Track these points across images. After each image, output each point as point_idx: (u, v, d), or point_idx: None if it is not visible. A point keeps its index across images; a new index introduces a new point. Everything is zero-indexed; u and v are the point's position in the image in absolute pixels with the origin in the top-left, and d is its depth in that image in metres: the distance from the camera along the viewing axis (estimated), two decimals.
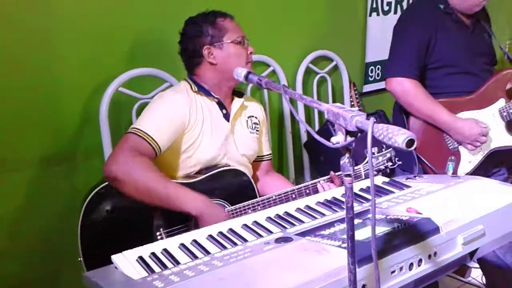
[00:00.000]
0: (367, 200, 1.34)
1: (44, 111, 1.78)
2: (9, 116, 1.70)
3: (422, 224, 1.06)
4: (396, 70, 1.96)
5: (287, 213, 1.30)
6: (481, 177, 1.42)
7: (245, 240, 1.15)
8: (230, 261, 0.99)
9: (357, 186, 1.44)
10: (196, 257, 1.09)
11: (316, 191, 1.64)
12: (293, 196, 1.61)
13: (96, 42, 1.84)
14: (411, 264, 1.01)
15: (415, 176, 1.48)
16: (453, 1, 1.96)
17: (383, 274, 0.96)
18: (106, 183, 1.47)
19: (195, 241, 1.16)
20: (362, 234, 1.03)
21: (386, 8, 2.82)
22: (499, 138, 1.98)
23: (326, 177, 1.67)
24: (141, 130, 1.50)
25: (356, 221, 1.11)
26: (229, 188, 1.61)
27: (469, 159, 1.98)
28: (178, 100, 1.58)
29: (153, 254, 1.11)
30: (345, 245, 0.89)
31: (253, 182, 1.68)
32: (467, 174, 1.98)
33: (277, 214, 1.30)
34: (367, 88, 2.89)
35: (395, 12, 2.85)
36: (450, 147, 1.98)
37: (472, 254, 1.16)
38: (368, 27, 2.77)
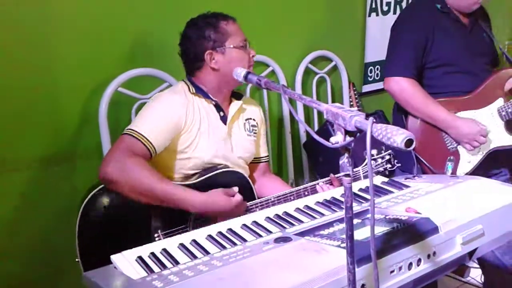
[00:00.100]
0: (366, 200, 1.34)
1: (43, 111, 1.78)
2: (8, 116, 1.70)
3: (421, 224, 1.07)
4: (394, 70, 1.96)
5: (286, 213, 1.31)
6: (480, 177, 1.42)
7: (245, 240, 1.15)
8: (229, 261, 0.99)
9: (356, 186, 1.44)
10: (195, 257, 1.09)
11: (315, 193, 1.63)
12: (292, 198, 1.61)
13: (95, 42, 1.84)
14: (410, 264, 1.01)
15: (414, 176, 1.49)
16: (450, 0, 1.97)
17: (382, 273, 0.96)
18: (103, 185, 1.47)
19: (194, 241, 1.17)
20: (361, 234, 1.03)
21: (385, 8, 2.82)
22: (499, 138, 1.98)
23: (325, 179, 1.67)
24: (136, 131, 1.49)
25: (355, 221, 1.11)
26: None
27: (469, 159, 1.98)
28: (175, 101, 1.57)
29: (153, 254, 1.11)
30: (344, 245, 0.89)
31: (251, 184, 1.67)
32: (466, 174, 1.97)
33: (276, 214, 1.30)
34: (366, 88, 2.89)
35: (394, 13, 2.85)
36: (449, 147, 1.98)
37: (471, 254, 1.16)
38: (368, 28, 2.77)
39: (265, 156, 1.88)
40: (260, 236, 1.16)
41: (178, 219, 1.50)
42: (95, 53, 1.85)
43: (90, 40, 1.83)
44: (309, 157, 2.54)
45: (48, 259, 1.84)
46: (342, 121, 0.85)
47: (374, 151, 1.74)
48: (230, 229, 1.22)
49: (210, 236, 1.19)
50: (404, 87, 1.93)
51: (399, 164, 1.75)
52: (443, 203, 1.21)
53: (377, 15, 2.79)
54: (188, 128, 1.58)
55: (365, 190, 1.43)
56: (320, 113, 2.58)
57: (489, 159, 1.99)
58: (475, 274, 2.48)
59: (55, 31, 1.75)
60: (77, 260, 1.43)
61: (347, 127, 0.84)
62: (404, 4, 2.88)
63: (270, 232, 1.18)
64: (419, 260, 1.02)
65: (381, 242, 0.99)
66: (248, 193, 1.64)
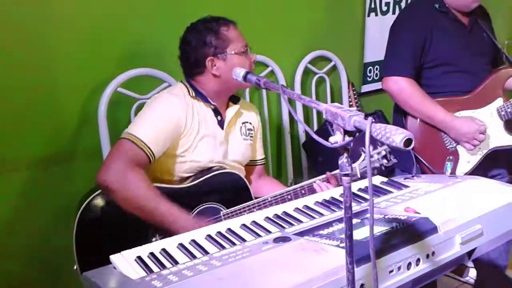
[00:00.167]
0: (365, 200, 1.35)
1: (42, 111, 1.78)
2: (8, 116, 1.71)
3: (420, 223, 1.07)
4: (392, 69, 1.96)
5: (285, 213, 1.31)
6: (479, 177, 1.42)
7: (244, 240, 1.15)
8: (228, 260, 0.99)
9: (356, 186, 1.44)
10: (194, 257, 1.09)
11: (312, 191, 1.64)
12: (289, 197, 1.61)
13: (95, 42, 1.84)
14: (409, 264, 1.01)
15: (413, 176, 1.49)
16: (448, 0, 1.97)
17: (381, 273, 0.96)
18: (100, 190, 1.46)
19: (193, 241, 1.17)
20: (361, 233, 1.03)
21: (384, 8, 2.82)
22: (498, 138, 1.98)
23: (322, 176, 1.66)
24: (136, 137, 1.47)
25: (355, 220, 1.11)
26: (224, 191, 1.60)
27: (468, 159, 1.98)
28: (175, 105, 1.56)
29: (152, 254, 1.11)
30: (343, 244, 0.89)
31: (248, 184, 1.67)
32: (465, 174, 1.97)
33: (275, 214, 1.30)
34: (366, 88, 2.89)
35: (394, 13, 2.86)
36: (448, 147, 1.98)
37: (470, 253, 1.16)
38: (367, 28, 2.77)
39: (261, 159, 1.88)
40: (259, 236, 1.16)
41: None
42: (95, 53, 1.85)
43: (90, 40, 1.83)
44: (309, 157, 2.54)
45: (47, 258, 1.84)
46: (341, 121, 0.85)
47: (370, 147, 1.74)
48: (229, 229, 1.22)
49: (209, 236, 1.19)
50: (402, 87, 1.93)
51: (396, 160, 1.73)
52: (442, 203, 1.22)
53: (376, 15, 2.79)
54: (187, 132, 1.57)
55: (364, 190, 1.43)
56: (319, 113, 2.58)
57: (488, 159, 1.99)
58: (474, 273, 2.48)
59: (55, 32, 1.75)
60: (75, 267, 1.43)
61: (346, 127, 0.84)
62: (403, 4, 2.89)
63: (269, 232, 1.18)
64: (418, 260, 1.02)
65: (380, 242, 0.99)
66: (244, 193, 1.64)
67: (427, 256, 1.04)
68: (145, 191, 1.43)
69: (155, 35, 1.98)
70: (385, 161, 1.72)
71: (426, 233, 1.05)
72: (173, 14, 1.98)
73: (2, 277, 1.76)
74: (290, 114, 2.43)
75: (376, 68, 2.89)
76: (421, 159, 1.96)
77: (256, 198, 1.64)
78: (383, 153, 1.73)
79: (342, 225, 1.13)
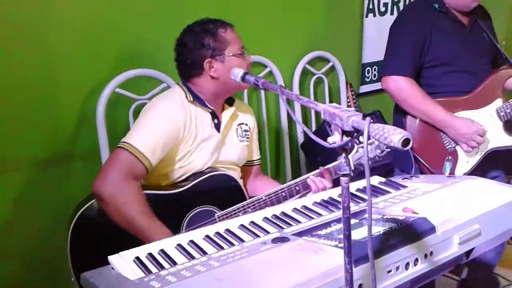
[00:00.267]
0: (363, 200, 1.35)
1: (41, 112, 1.78)
2: (6, 117, 1.70)
3: (418, 223, 1.07)
4: (391, 69, 1.96)
5: (284, 213, 1.31)
6: (477, 177, 1.43)
7: (242, 240, 1.15)
8: (227, 261, 0.99)
9: (354, 186, 1.44)
10: (193, 257, 1.09)
11: (306, 187, 1.63)
12: (283, 194, 1.61)
13: (93, 43, 1.84)
14: (407, 264, 1.01)
15: (411, 176, 1.49)
16: None
17: (380, 273, 0.96)
18: (93, 200, 1.46)
19: (192, 241, 1.17)
20: (359, 233, 1.03)
21: (382, 9, 2.82)
22: (497, 138, 1.98)
23: (315, 171, 1.66)
24: (134, 147, 1.46)
25: (353, 221, 1.11)
26: (218, 193, 1.59)
27: (467, 159, 1.98)
28: (172, 111, 1.55)
29: (150, 254, 1.11)
30: (341, 245, 0.90)
31: (242, 186, 1.66)
32: (464, 174, 1.98)
33: (274, 214, 1.30)
34: (364, 89, 2.90)
35: (392, 13, 2.86)
36: (447, 147, 1.98)
37: (468, 253, 1.16)
38: (365, 28, 2.77)
39: (258, 159, 1.88)
40: (258, 236, 1.17)
41: (172, 229, 1.48)
42: (93, 54, 1.85)
43: (88, 41, 1.83)
44: (307, 158, 2.54)
45: (46, 259, 1.84)
46: (339, 121, 0.85)
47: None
48: (227, 230, 1.22)
49: (207, 236, 1.19)
50: (402, 86, 1.93)
51: (389, 149, 1.71)
52: (440, 203, 1.22)
53: (374, 15, 2.80)
54: (185, 138, 1.56)
55: (362, 190, 1.43)
56: (317, 114, 2.58)
57: (487, 159, 1.99)
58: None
59: (54, 33, 1.75)
60: (72, 279, 1.43)
61: (344, 127, 0.84)
62: (401, 5, 2.89)
63: (268, 232, 1.19)
64: (416, 260, 1.03)
65: (378, 242, 1.00)
66: (238, 194, 1.63)
67: (425, 256, 1.04)
68: (138, 209, 1.42)
69: (153, 36, 1.98)
70: (378, 151, 1.69)
71: (424, 233, 1.05)
72: (171, 15, 1.98)
73: (0, 278, 1.75)
74: (288, 114, 2.44)
75: (374, 69, 2.90)
76: (420, 159, 1.96)
77: (252, 197, 1.64)
78: (376, 143, 1.69)
79: (340, 225, 1.13)
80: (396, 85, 1.94)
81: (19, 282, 1.81)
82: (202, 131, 1.60)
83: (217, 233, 1.20)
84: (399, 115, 2.05)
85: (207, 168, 1.63)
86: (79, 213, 1.46)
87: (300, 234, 1.11)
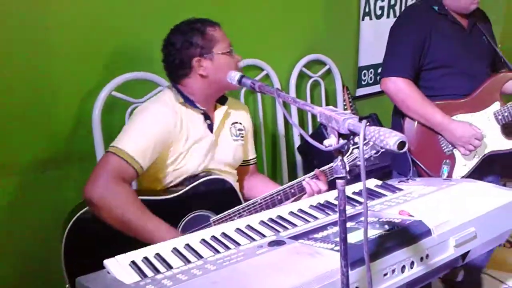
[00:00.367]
0: (359, 203, 1.35)
1: (37, 115, 1.77)
2: (1, 121, 1.70)
3: (414, 226, 1.07)
4: (390, 70, 1.97)
5: (280, 217, 1.30)
6: (473, 180, 1.43)
7: (238, 244, 1.15)
8: (223, 264, 0.99)
9: (350, 189, 1.44)
10: (189, 261, 1.08)
11: (302, 189, 1.62)
12: (279, 197, 1.60)
13: (89, 47, 1.84)
14: (403, 267, 1.01)
15: (407, 179, 1.49)
16: (447, 1, 1.98)
17: (376, 276, 0.96)
18: (85, 209, 1.44)
19: (187, 245, 1.16)
20: (355, 237, 1.03)
21: (378, 12, 2.83)
22: (495, 142, 1.98)
23: (311, 174, 1.65)
24: (123, 151, 1.45)
25: (349, 224, 1.11)
26: (212, 197, 1.58)
27: (464, 162, 1.98)
28: (162, 114, 1.53)
29: (146, 258, 1.11)
30: (338, 248, 0.89)
31: (237, 190, 1.65)
32: (462, 177, 1.98)
33: (270, 218, 1.29)
34: (360, 91, 2.90)
35: (388, 16, 2.87)
36: (445, 150, 1.98)
37: (464, 256, 1.17)
38: (361, 31, 2.78)
39: (253, 158, 1.87)
40: (254, 239, 1.16)
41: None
42: (89, 57, 1.85)
43: (84, 44, 1.83)
44: (304, 161, 2.54)
45: (44, 261, 1.82)
46: (335, 124, 0.85)
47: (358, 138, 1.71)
48: (223, 233, 1.21)
49: (203, 240, 1.19)
50: (401, 87, 1.94)
51: (383, 149, 1.70)
52: (436, 206, 1.22)
53: (371, 19, 2.81)
54: (177, 141, 1.55)
55: (359, 193, 1.43)
56: (314, 117, 2.56)
57: (484, 163, 1.99)
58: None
59: (50, 36, 1.75)
60: (66, 286, 1.42)
61: (340, 130, 0.84)
62: (397, 8, 2.91)
63: (264, 235, 1.18)
64: (412, 262, 1.03)
65: (375, 245, 1.00)
66: (233, 198, 1.62)
67: (421, 259, 1.04)
68: (131, 208, 1.41)
69: (150, 39, 1.97)
70: (373, 151, 1.68)
71: (420, 236, 1.05)
72: (168, 19, 1.95)
73: None
74: (285, 117, 2.44)
75: (371, 72, 2.90)
76: (418, 162, 1.96)
77: (248, 197, 1.63)
78: (371, 143, 1.68)
79: (336, 229, 1.13)
80: (395, 86, 1.94)
81: (17, 284, 1.80)
82: (194, 133, 1.59)
83: (213, 236, 1.20)
84: (398, 117, 2.05)
85: (202, 172, 1.62)
86: (74, 218, 1.44)
87: (296, 237, 1.10)
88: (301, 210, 1.34)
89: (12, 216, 1.77)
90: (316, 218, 1.28)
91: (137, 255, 1.12)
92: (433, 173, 1.96)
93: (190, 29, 1.58)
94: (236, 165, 1.76)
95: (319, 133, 2.38)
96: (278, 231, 1.20)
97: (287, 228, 1.21)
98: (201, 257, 1.09)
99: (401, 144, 0.77)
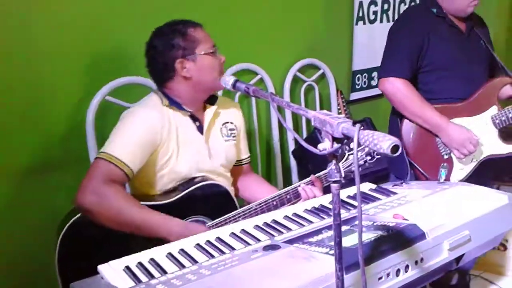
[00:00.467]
0: (354, 207, 1.35)
1: (30, 119, 1.76)
2: None
3: (409, 230, 1.07)
4: (388, 70, 1.97)
5: (274, 221, 1.30)
6: (468, 183, 1.43)
7: (233, 249, 1.15)
8: (217, 269, 0.98)
9: (344, 193, 1.44)
10: (183, 266, 1.08)
11: (297, 195, 1.62)
12: (274, 203, 1.59)
13: (83, 51, 1.84)
14: (398, 270, 1.01)
15: (402, 183, 1.50)
16: (444, 4, 1.99)
17: (371, 280, 0.96)
18: (77, 216, 1.43)
19: (182, 250, 1.16)
20: (350, 240, 1.03)
21: (372, 17, 2.85)
22: (492, 146, 1.98)
23: (306, 179, 1.65)
24: (112, 155, 1.44)
25: (344, 227, 1.11)
26: (207, 203, 1.57)
27: (462, 166, 1.98)
28: (149, 117, 1.52)
29: (140, 263, 1.10)
30: (332, 252, 0.89)
31: (232, 194, 1.64)
32: (460, 181, 1.98)
33: (264, 222, 1.29)
34: (354, 96, 2.91)
35: (381, 21, 2.89)
36: (442, 153, 1.98)
37: (458, 259, 1.17)
38: (355, 36, 2.80)
39: (247, 157, 1.85)
40: (249, 244, 1.16)
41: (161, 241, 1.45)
42: (83, 62, 1.84)
43: (78, 49, 1.82)
44: (298, 165, 2.54)
45: (35, 267, 1.81)
46: (329, 128, 0.85)
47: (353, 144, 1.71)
48: (218, 238, 1.21)
49: (198, 245, 1.18)
50: (398, 88, 1.94)
51: (379, 156, 1.71)
52: (430, 209, 1.22)
53: (364, 23, 2.82)
54: (165, 144, 1.53)
55: (353, 197, 1.43)
56: (308, 121, 2.57)
57: (482, 167, 2.00)
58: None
59: (43, 40, 1.74)
60: None
61: (334, 134, 0.85)
62: (390, 13, 2.92)
63: (259, 240, 1.18)
64: (407, 266, 1.03)
65: (369, 249, 1.00)
66: (228, 204, 1.61)
67: (416, 262, 1.04)
68: (123, 202, 1.40)
69: (142, 43, 1.97)
70: (368, 157, 1.66)
71: (415, 239, 1.05)
72: (162, 23, 1.97)
73: None
74: (279, 122, 2.44)
75: (365, 76, 2.91)
76: (415, 165, 1.96)
77: (243, 197, 1.61)
78: (366, 149, 1.65)
79: (331, 232, 1.13)
80: (392, 86, 1.95)
81: (16, 285, 1.79)
82: (183, 135, 1.58)
83: (208, 241, 1.20)
84: (395, 118, 2.05)
85: (197, 177, 1.61)
86: (68, 224, 1.43)
87: (291, 241, 1.10)
88: (295, 214, 1.34)
89: (2, 221, 1.75)
90: (311, 222, 1.28)
91: (131, 260, 1.11)
92: (431, 176, 1.96)
93: (171, 31, 1.56)
94: (230, 166, 1.74)
95: (314, 137, 2.38)
96: (273, 235, 1.20)
97: (282, 232, 1.21)
98: (195, 262, 1.09)
99: (395, 148, 0.77)
